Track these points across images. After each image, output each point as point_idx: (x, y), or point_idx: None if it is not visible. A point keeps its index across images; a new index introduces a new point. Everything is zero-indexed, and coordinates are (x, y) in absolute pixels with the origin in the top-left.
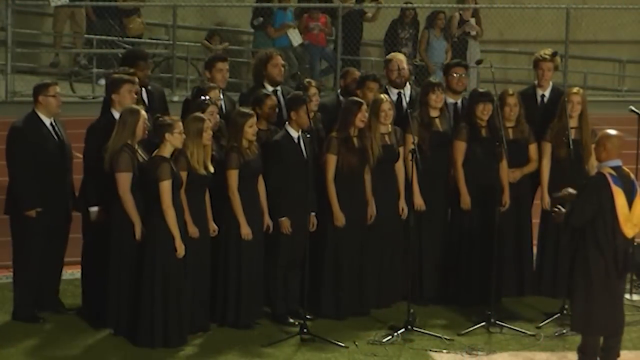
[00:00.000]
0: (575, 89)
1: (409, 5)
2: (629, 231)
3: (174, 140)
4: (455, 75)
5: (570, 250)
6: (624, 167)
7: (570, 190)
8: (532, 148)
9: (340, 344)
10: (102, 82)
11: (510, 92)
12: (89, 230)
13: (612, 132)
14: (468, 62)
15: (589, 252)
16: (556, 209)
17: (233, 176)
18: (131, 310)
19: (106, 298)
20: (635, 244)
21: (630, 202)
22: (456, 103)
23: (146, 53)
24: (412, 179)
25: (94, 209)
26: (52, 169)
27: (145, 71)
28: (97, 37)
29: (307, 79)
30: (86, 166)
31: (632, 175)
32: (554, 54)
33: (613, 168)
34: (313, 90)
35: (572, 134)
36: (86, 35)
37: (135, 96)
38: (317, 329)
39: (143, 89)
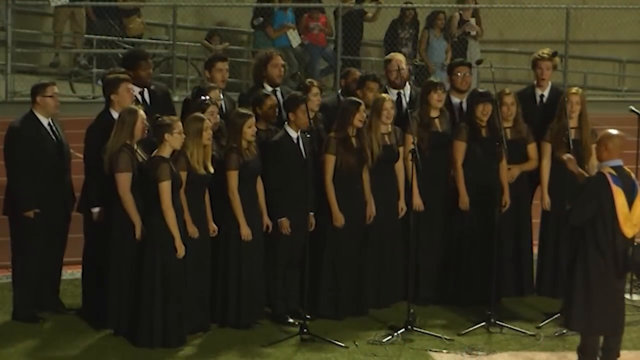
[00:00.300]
0: (574, 89)
1: (409, 5)
2: (628, 231)
3: (173, 141)
4: (459, 74)
5: (570, 250)
6: (625, 167)
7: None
8: (531, 148)
9: (340, 344)
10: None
11: (507, 91)
12: (90, 231)
13: (614, 131)
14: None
15: (588, 252)
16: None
17: (233, 177)
18: (131, 310)
19: (106, 298)
20: (635, 244)
21: (630, 202)
22: (461, 102)
23: (146, 53)
24: (412, 179)
25: (96, 209)
26: (50, 169)
27: (147, 71)
28: (97, 37)
29: (309, 79)
30: (87, 167)
31: (633, 175)
32: (553, 54)
33: (614, 168)
34: (315, 90)
35: (572, 134)
36: (86, 35)
37: (133, 93)
38: (317, 329)
39: (145, 88)
